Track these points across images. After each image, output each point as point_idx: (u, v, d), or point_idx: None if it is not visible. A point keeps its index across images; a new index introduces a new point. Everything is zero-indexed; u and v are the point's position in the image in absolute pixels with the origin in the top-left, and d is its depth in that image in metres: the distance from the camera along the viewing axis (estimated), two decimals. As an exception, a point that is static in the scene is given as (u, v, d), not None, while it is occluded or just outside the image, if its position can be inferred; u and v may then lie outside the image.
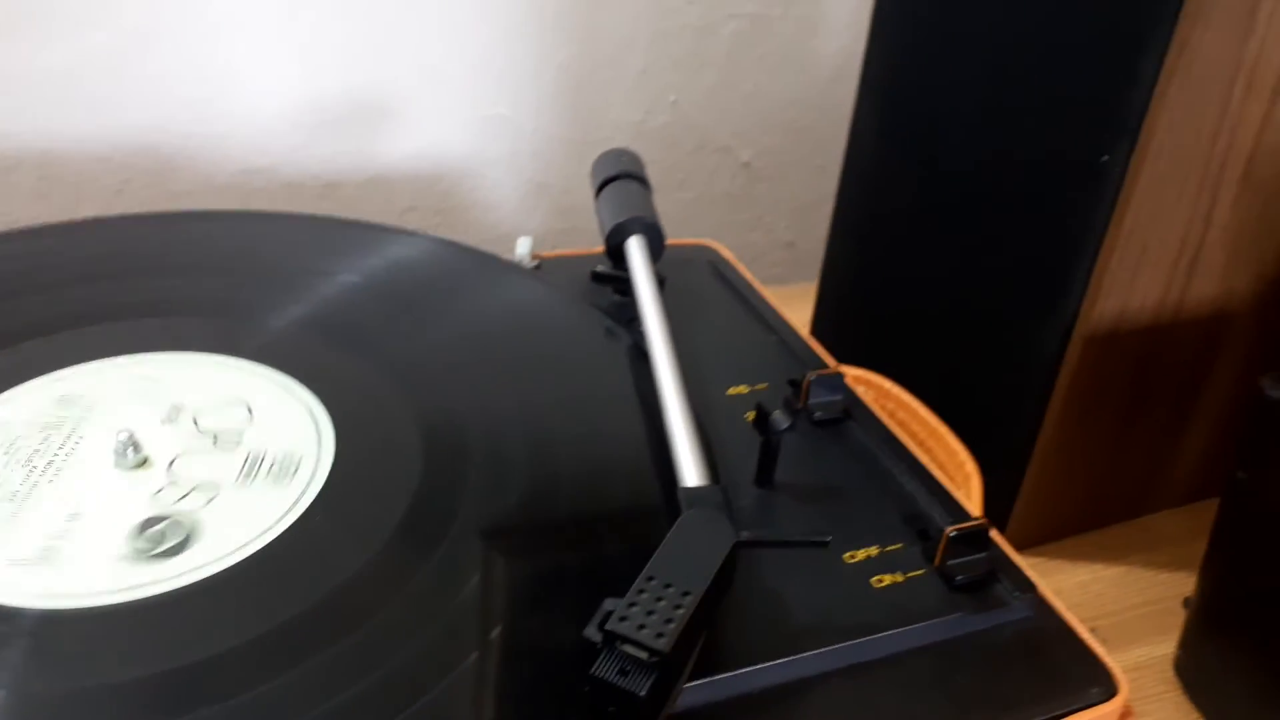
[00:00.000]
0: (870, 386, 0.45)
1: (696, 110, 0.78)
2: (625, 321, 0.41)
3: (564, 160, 0.76)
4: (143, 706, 0.24)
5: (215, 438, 0.32)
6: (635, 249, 0.43)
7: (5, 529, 0.28)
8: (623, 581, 0.24)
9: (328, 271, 0.41)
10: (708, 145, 0.80)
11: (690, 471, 0.30)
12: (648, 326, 0.38)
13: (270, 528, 0.29)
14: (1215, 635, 0.45)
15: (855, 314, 0.61)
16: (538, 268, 0.46)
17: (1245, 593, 0.42)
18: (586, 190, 0.49)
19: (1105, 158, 0.42)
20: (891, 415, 0.43)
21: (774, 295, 0.47)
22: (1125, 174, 0.42)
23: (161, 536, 0.28)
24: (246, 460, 0.31)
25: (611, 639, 0.23)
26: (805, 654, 0.28)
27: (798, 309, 0.55)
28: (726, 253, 0.51)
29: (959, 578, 0.31)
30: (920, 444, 0.42)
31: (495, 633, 0.26)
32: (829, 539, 0.30)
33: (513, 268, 0.44)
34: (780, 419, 0.33)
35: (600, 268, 0.45)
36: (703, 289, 0.47)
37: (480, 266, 0.43)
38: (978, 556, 0.32)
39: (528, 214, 0.77)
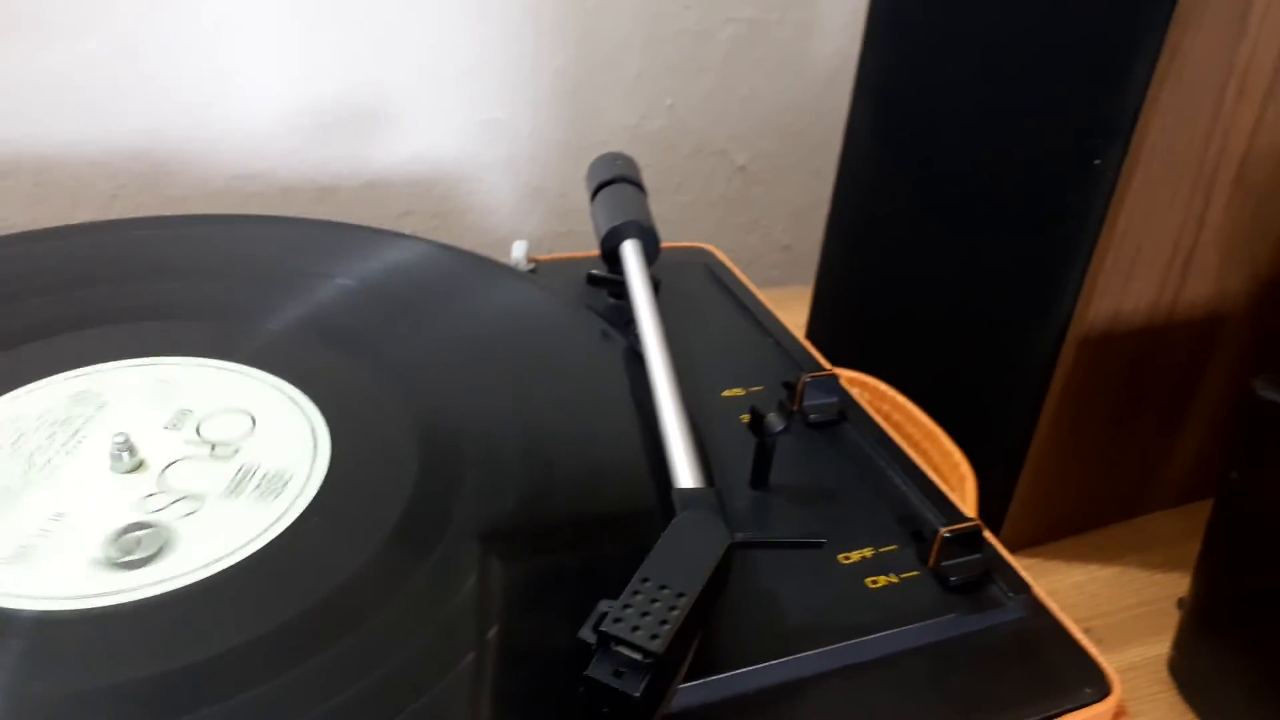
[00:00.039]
0: (865, 388, 0.45)
1: (693, 114, 0.78)
2: (621, 324, 0.41)
3: (560, 164, 0.76)
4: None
5: (213, 447, 0.32)
6: (630, 252, 0.43)
7: (-9, 524, 0.28)
8: (618, 583, 0.24)
9: (333, 276, 0.41)
10: (704, 149, 0.80)
11: (685, 473, 0.30)
12: (643, 329, 0.38)
13: (244, 546, 0.28)
14: (1209, 635, 0.45)
15: (850, 316, 0.61)
16: (533, 271, 0.46)
17: (1239, 593, 0.43)
18: (583, 193, 0.49)
19: (1098, 161, 0.43)
20: (886, 417, 0.43)
21: (771, 298, 0.47)
22: (1119, 176, 0.43)
23: (136, 545, 0.28)
24: (237, 473, 0.31)
25: (606, 640, 0.23)
26: (800, 655, 0.28)
27: (794, 311, 0.55)
28: (722, 255, 0.51)
29: (953, 579, 0.31)
30: (915, 445, 0.42)
31: (489, 635, 0.26)
32: (824, 540, 0.30)
33: (508, 271, 0.44)
34: (775, 421, 0.33)
35: (595, 271, 0.45)
36: (698, 292, 0.48)
37: (476, 270, 0.44)
38: (972, 557, 0.32)
39: (524, 217, 0.77)
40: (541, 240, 0.78)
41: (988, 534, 0.32)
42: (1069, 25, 0.44)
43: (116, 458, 0.31)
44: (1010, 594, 0.31)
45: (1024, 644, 0.30)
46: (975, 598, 0.31)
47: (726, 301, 0.47)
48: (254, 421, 0.33)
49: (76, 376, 0.35)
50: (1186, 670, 0.46)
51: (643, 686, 0.23)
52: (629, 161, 0.49)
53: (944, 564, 0.31)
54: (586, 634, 0.24)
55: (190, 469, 0.31)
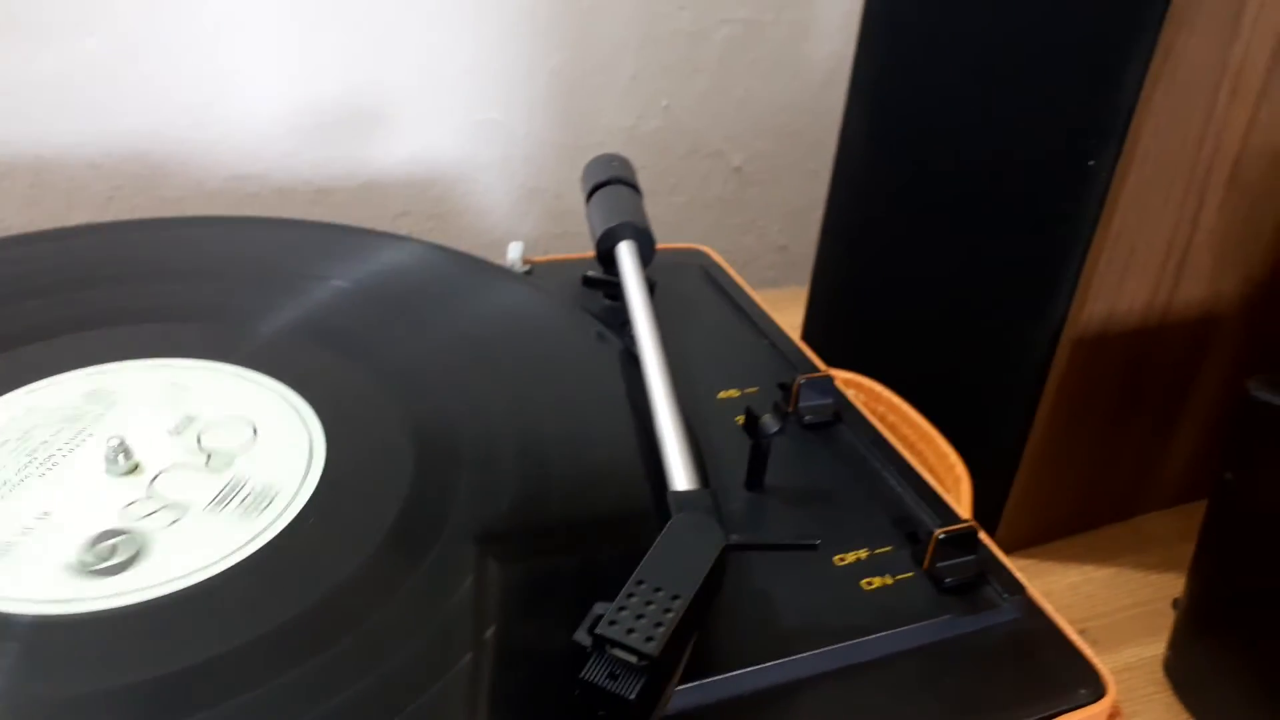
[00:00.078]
0: (860, 390, 0.45)
1: (688, 115, 0.78)
2: (616, 326, 0.41)
3: (556, 165, 0.76)
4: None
5: (209, 456, 0.32)
6: (625, 254, 0.43)
7: (-21, 517, 0.28)
8: (613, 585, 0.24)
9: (336, 278, 0.41)
10: (700, 150, 0.80)
11: (680, 475, 0.30)
12: (638, 331, 0.38)
13: (216, 563, 0.28)
14: (1204, 636, 0.45)
15: (846, 317, 0.61)
16: (529, 272, 0.46)
17: (1233, 593, 0.43)
18: (579, 195, 0.49)
19: (1092, 162, 0.43)
20: (882, 418, 0.43)
21: (766, 299, 0.47)
22: (1112, 177, 0.43)
23: (111, 552, 0.28)
24: (225, 486, 0.31)
25: (601, 643, 0.23)
26: (795, 656, 0.28)
27: (790, 313, 0.55)
28: (717, 257, 0.51)
29: (948, 580, 0.31)
30: (910, 447, 0.42)
31: (483, 638, 0.26)
32: (819, 542, 0.30)
33: (504, 273, 0.44)
34: (770, 423, 0.33)
35: (591, 272, 0.45)
36: (693, 293, 0.48)
37: (472, 272, 0.44)
38: (967, 559, 0.32)
39: (520, 218, 0.77)
40: (537, 241, 0.78)
41: (983, 535, 0.32)
42: (1062, 26, 0.44)
43: (111, 460, 0.31)
44: (1005, 595, 0.31)
45: (1019, 645, 0.30)
46: (970, 599, 0.31)
47: (722, 303, 0.47)
48: (255, 431, 0.33)
49: (92, 374, 0.35)
50: (1182, 671, 0.46)
51: (638, 689, 0.23)
52: (624, 163, 0.49)
53: (939, 565, 0.31)
54: (582, 636, 0.24)
55: (182, 478, 0.31)
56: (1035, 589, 0.32)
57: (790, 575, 0.31)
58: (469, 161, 0.74)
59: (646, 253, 0.44)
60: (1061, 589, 0.52)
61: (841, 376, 0.43)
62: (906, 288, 0.56)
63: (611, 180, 0.47)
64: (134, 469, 0.31)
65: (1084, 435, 0.51)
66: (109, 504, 0.30)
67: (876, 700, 0.28)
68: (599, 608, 0.24)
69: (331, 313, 0.39)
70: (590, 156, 0.49)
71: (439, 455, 0.33)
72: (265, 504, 0.30)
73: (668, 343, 0.37)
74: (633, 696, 0.23)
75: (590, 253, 0.45)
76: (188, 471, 0.31)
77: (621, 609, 0.24)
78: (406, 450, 0.33)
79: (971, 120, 0.49)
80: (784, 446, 0.36)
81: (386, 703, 0.24)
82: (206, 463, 0.32)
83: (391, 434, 0.33)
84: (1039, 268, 0.46)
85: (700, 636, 0.26)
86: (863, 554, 0.32)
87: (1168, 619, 0.47)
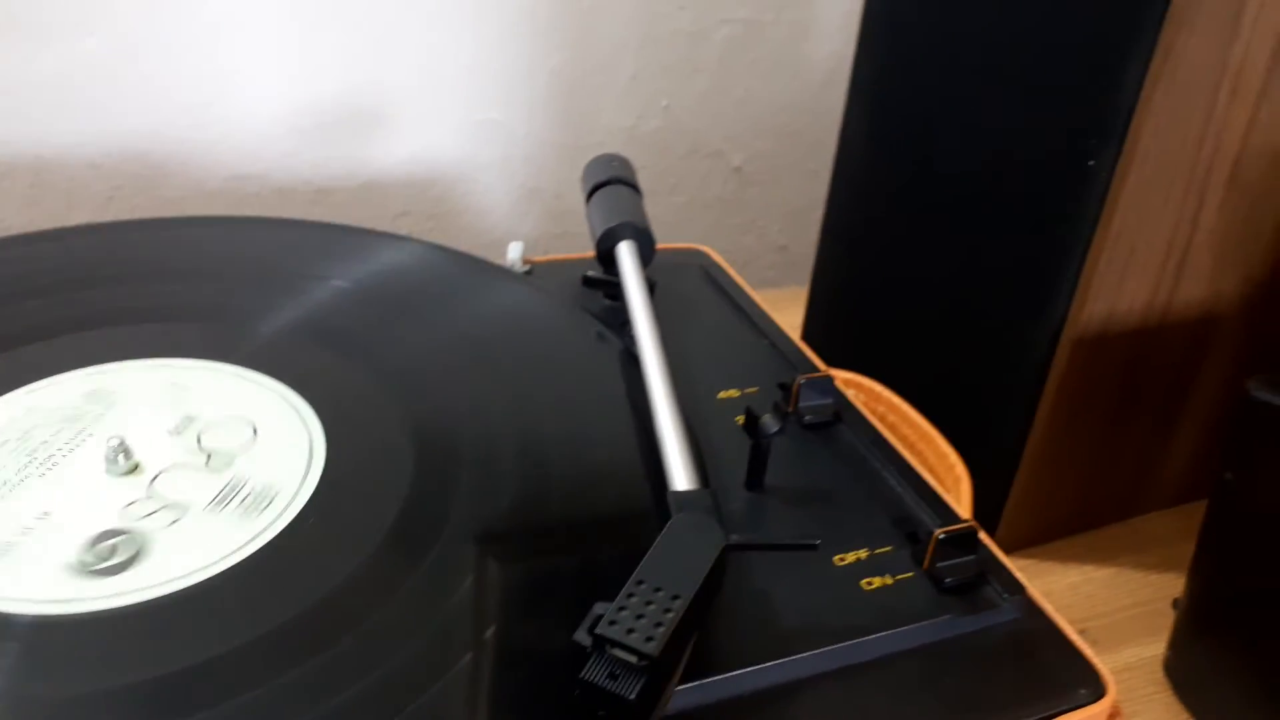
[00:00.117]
0: (860, 390, 0.45)
1: (688, 115, 0.78)
2: (616, 326, 0.41)
3: (556, 165, 0.76)
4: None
5: (209, 457, 0.32)
6: (625, 254, 0.43)
7: (-22, 518, 0.28)
8: (613, 585, 0.24)
9: (336, 278, 0.41)
10: (700, 150, 0.80)
11: (680, 475, 0.30)
12: (638, 331, 0.38)
13: (216, 563, 0.28)
14: (1204, 636, 0.45)
15: (846, 317, 0.61)
16: (529, 272, 0.46)
17: (1233, 593, 0.43)
18: (579, 195, 0.49)
19: (1092, 162, 0.43)
20: (882, 418, 0.43)
21: (766, 299, 0.47)
22: (1112, 177, 0.43)
23: (111, 552, 0.28)
24: (225, 486, 0.31)
25: (601, 643, 0.23)
26: (795, 656, 0.28)
27: (790, 313, 0.55)
28: (717, 257, 0.51)
29: (948, 580, 0.31)
30: (910, 447, 0.42)
31: (483, 638, 0.26)
32: (819, 542, 0.30)
33: (504, 273, 0.44)
34: (770, 422, 0.33)
35: (591, 273, 0.45)
36: (693, 293, 0.48)
37: (472, 272, 0.44)
38: (966, 559, 0.32)
39: (520, 218, 0.77)
40: (537, 241, 0.78)
41: (983, 535, 0.33)
42: (1062, 26, 0.44)
43: (111, 460, 0.31)
44: (1005, 595, 0.31)
45: (1019, 645, 0.30)
46: (970, 599, 0.31)
47: (722, 303, 0.47)
48: (255, 431, 0.33)
49: (92, 374, 0.35)
50: (1182, 671, 0.46)
51: (638, 689, 0.23)
52: (624, 163, 0.49)
53: (939, 565, 0.31)
54: (582, 637, 0.24)
55: (182, 478, 0.31)
56: (1035, 589, 0.32)
57: (790, 575, 0.31)
58: (469, 161, 0.74)
59: (646, 253, 0.44)
60: (1061, 589, 0.52)
61: (841, 376, 0.43)
62: (906, 288, 0.56)
63: (611, 180, 0.47)
64: (134, 469, 0.31)
65: (1084, 435, 0.51)
66: (109, 504, 0.30)
67: (876, 700, 0.28)
68: (599, 608, 0.24)
69: (331, 313, 0.39)
70: (590, 156, 0.50)
71: (439, 455, 0.33)
72: (265, 504, 0.30)
73: (668, 343, 0.37)
74: (633, 696, 0.23)
75: (590, 253, 0.45)
76: (188, 471, 0.31)
77: (621, 609, 0.24)
78: (406, 450, 0.33)
79: (971, 120, 0.49)
80: (784, 446, 0.36)
81: (386, 703, 0.24)
82: (206, 463, 0.32)
83: (391, 434, 0.33)
84: (1039, 268, 0.46)
85: (700, 636, 0.26)
86: (863, 554, 0.32)
87: (1168, 619, 0.47)
